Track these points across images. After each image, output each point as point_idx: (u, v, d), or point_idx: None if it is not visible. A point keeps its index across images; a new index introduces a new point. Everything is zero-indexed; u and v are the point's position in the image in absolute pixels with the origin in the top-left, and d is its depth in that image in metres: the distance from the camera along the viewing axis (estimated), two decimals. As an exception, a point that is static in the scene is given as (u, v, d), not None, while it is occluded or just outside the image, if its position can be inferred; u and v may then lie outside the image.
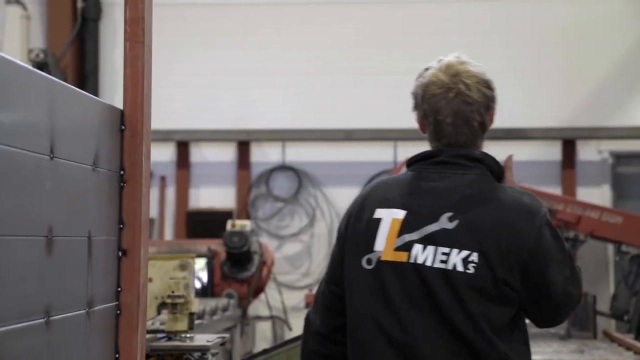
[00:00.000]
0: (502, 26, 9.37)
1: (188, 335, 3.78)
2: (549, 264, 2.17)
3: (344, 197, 9.40)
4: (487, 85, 2.27)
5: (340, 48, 9.62)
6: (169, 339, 3.81)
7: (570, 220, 7.25)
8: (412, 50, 9.38)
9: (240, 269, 7.65)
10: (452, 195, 2.18)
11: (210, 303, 6.35)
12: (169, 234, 9.74)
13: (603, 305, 7.96)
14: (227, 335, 4.35)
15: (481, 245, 2.12)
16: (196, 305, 3.84)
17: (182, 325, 3.71)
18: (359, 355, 2.19)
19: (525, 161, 9.07)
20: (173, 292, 3.78)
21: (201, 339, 3.80)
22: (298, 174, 9.67)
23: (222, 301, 6.98)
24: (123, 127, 2.42)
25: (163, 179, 9.74)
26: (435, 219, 2.16)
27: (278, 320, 9.03)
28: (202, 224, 9.27)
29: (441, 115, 2.25)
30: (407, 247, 2.17)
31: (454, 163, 2.22)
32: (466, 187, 2.19)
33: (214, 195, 9.74)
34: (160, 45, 7.48)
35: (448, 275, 2.13)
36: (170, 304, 3.78)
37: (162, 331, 3.86)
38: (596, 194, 9.21)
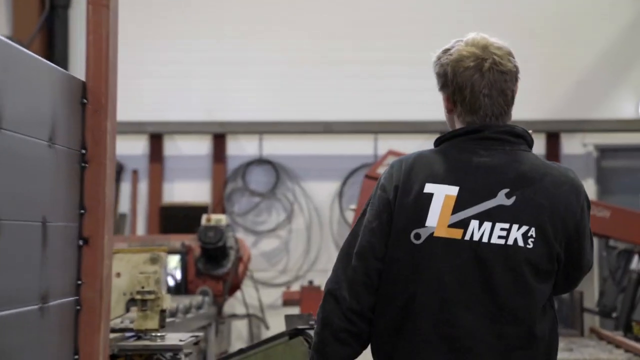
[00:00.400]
0: (483, 15, 9.18)
1: (159, 334, 3.54)
2: (586, 239, 2.29)
3: (323, 191, 9.48)
4: (513, 56, 2.35)
5: (318, 38, 9.47)
6: (138, 338, 3.57)
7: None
8: (392, 40, 9.31)
9: (215, 266, 7.36)
10: (506, 171, 2.22)
11: (184, 300, 6.12)
12: (141, 229, 9.51)
13: (588, 302, 7.79)
14: (201, 334, 4.09)
15: (538, 220, 2.19)
16: (168, 301, 3.60)
17: (153, 323, 3.46)
18: (395, 335, 2.20)
19: None
20: (143, 287, 3.52)
21: (173, 338, 3.58)
22: (275, 168, 9.50)
23: (196, 299, 6.70)
24: (85, 101, 2.18)
25: (135, 172, 9.56)
26: (492, 195, 2.19)
27: (255, 319, 8.85)
28: (176, 220, 9.06)
29: (477, 86, 2.28)
30: (463, 224, 2.19)
31: (499, 139, 2.26)
32: (519, 164, 2.24)
33: (188, 189, 9.54)
34: (130, 33, 7.73)
35: (508, 251, 2.16)
36: (140, 301, 3.52)
37: (130, 330, 3.61)
38: (580, 189, 8.95)
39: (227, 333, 8.16)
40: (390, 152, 7.35)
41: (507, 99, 2.30)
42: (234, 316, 8.59)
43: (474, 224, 2.18)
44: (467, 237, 2.18)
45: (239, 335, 9.07)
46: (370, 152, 9.61)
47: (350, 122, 9.43)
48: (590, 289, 8.33)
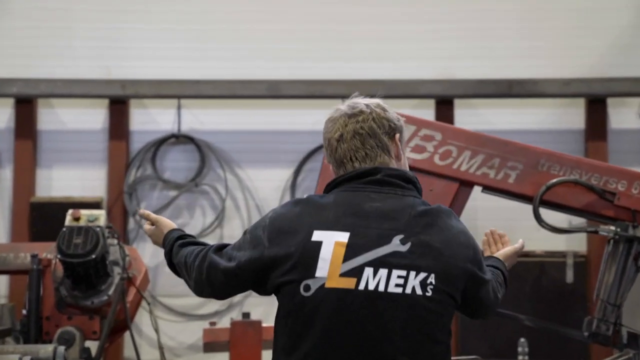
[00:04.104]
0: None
1: None
2: (481, 287, 2.52)
3: (268, 182, 8.53)
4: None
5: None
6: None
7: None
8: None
9: (87, 292, 5.73)
10: (399, 216, 2.39)
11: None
12: (2, 234, 8.38)
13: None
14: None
15: (436, 267, 2.35)
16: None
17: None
18: None
19: (528, 130, 7.82)
20: None
21: None
22: (200, 149, 8.35)
23: (46, 350, 5.02)
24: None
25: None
26: (385, 241, 2.35)
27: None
28: (54, 221, 7.29)
29: None
30: (355, 272, 2.32)
31: (391, 183, 2.45)
32: (411, 209, 2.42)
33: (73, 179, 8.41)
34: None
35: (407, 299, 2.32)
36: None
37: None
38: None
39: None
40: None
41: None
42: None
43: (368, 271, 2.31)
44: (361, 287, 2.31)
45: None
46: (334, 125, 8.10)
47: (305, 80, 8.18)
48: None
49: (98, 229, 5.58)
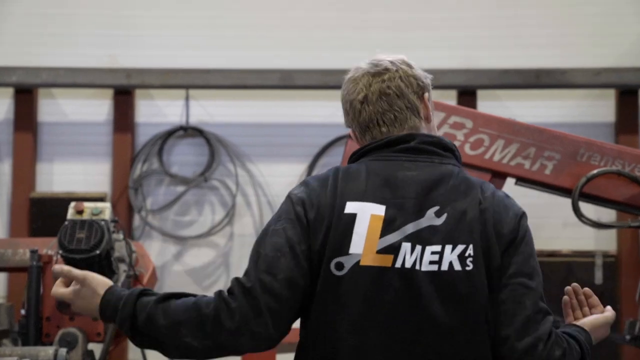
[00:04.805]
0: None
1: None
2: (526, 245, 2.26)
3: (280, 177, 8.33)
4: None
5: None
6: None
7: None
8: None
9: None
10: (436, 186, 2.25)
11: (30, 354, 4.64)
12: (0, 232, 8.19)
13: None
14: None
15: (473, 237, 2.20)
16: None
17: None
18: None
19: (555, 123, 7.33)
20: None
21: None
22: (209, 142, 8.18)
23: (46, 353, 4.78)
24: None
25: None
26: (422, 214, 2.21)
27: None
28: (55, 218, 7.04)
29: None
30: (393, 248, 2.18)
31: (427, 151, 2.31)
32: (450, 179, 2.27)
33: (75, 173, 8.23)
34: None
35: (444, 277, 2.17)
36: None
37: None
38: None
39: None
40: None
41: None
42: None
43: (406, 247, 2.17)
44: (397, 264, 2.16)
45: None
46: (349, 118, 7.95)
47: (320, 70, 7.87)
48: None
49: (103, 222, 5.28)
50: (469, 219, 2.19)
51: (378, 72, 2.30)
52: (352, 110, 2.33)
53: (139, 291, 2.18)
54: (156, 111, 8.22)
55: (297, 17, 8.02)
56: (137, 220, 7.86)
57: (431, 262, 2.15)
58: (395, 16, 7.82)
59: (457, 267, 2.15)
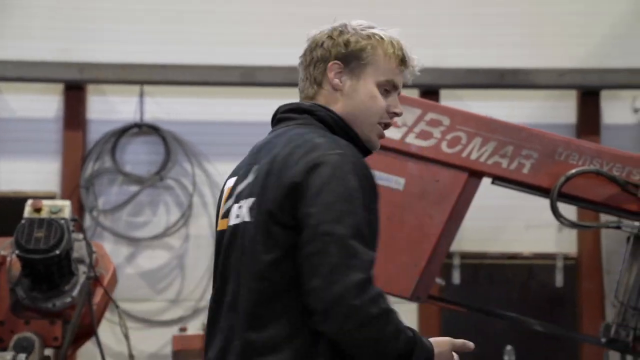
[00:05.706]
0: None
1: None
2: (312, 198, 2.19)
3: None
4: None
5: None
6: None
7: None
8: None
9: (48, 293, 5.34)
10: (262, 149, 2.35)
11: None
12: None
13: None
14: None
15: (260, 189, 2.27)
16: None
17: None
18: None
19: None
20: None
21: None
22: (165, 140, 8.14)
23: (3, 358, 4.85)
24: None
25: None
26: (246, 176, 2.33)
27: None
28: (2, 218, 7.09)
29: None
30: (227, 212, 2.37)
31: (284, 119, 2.38)
32: (275, 137, 2.33)
33: (23, 172, 8.20)
34: None
35: (238, 229, 2.31)
36: None
37: None
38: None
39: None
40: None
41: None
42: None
43: (233, 209, 2.32)
44: (230, 224, 2.33)
45: None
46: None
47: (283, 67, 7.80)
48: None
49: (62, 221, 5.15)
50: (264, 172, 2.25)
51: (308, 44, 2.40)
52: None
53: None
54: (109, 108, 8.16)
55: (260, 13, 7.96)
56: (88, 221, 7.77)
57: (237, 216, 2.29)
58: (359, 12, 7.71)
59: (247, 218, 2.25)
